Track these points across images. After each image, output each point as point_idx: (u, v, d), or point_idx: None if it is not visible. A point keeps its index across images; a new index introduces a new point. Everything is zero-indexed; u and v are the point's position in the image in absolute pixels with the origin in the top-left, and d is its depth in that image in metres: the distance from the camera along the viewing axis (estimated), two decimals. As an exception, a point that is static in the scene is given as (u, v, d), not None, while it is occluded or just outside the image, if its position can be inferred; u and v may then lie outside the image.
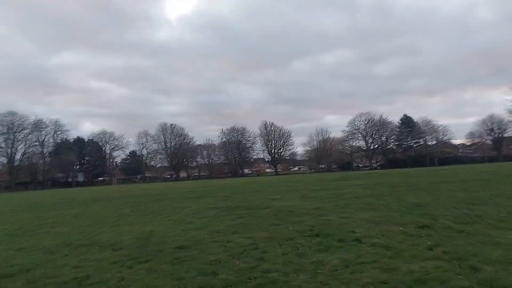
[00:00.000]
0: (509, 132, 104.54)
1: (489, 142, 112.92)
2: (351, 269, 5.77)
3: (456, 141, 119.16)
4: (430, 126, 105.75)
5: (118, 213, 17.61)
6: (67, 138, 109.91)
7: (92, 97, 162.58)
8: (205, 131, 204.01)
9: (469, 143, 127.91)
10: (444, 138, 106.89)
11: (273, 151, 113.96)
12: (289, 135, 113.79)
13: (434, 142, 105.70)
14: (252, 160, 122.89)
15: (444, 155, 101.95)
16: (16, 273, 6.97)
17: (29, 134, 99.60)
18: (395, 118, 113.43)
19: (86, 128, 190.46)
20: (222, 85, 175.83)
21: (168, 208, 18.32)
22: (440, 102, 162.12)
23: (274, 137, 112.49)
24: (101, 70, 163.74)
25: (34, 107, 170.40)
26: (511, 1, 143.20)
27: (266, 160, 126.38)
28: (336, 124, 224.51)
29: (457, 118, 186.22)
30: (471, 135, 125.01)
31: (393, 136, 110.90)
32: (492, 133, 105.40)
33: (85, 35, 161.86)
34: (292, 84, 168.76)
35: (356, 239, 7.84)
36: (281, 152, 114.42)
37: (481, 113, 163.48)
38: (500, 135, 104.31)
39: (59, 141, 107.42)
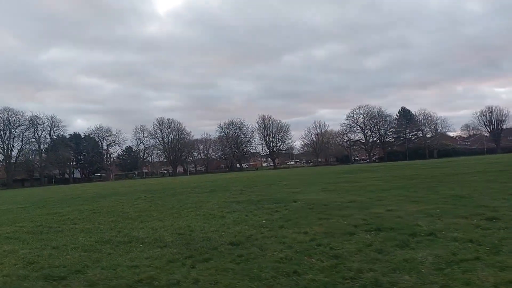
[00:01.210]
0: (508, 124, 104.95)
1: (486, 134, 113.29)
2: (460, 268, 5.14)
3: (452, 134, 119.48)
4: (429, 118, 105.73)
5: (137, 208, 16.92)
6: (64, 134, 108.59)
7: (82, 93, 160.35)
8: (198, 126, 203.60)
9: (465, 135, 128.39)
10: (443, 130, 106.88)
11: (271, 144, 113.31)
12: (287, 128, 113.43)
13: (433, 134, 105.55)
14: (248, 154, 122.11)
15: (443, 147, 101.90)
16: (66, 275, 6.29)
17: (25, 130, 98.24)
18: (389, 111, 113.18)
19: (78, 125, 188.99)
20: (213, 80, 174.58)
21: (187, 203, 17.65)
22: (432, 95, 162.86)
23: (272, 130, 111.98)
24: (91, 66, 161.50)
25: (25, 104, 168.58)
26: None
27: (264, 154, 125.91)
28: (329, 117, 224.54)
29: (449, 110, 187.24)
30: (466, 127, 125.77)
31: (391, 129, 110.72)
32: (491, 125, 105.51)
33: (73, 31, 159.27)
34: (283, 78, 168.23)
35: (431, 234, 7.23)
36: (279, 146, 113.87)
37: (473, 106, 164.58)
38: (499, 127, 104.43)
39: (56, 137, 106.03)
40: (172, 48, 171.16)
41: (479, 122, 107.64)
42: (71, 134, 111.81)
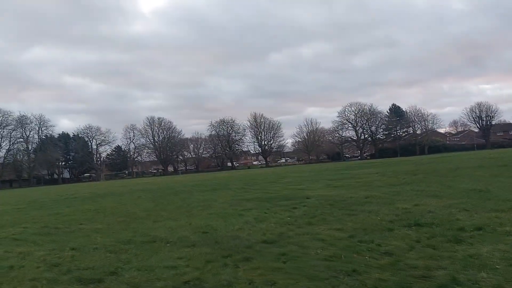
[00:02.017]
0: (497, 120, 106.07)
1: (474, 129, 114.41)
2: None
3: (441, 130, 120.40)
4: (420, 114, 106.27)
5: (142, 208, 16.38)
6: (52, 134, 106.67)
7: (67, 93, 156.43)
8: (186, 125, 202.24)
9: (454, 132, 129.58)
10: (434, 127, 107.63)
11: (263, 143, 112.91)
12: (279, 126, 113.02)
13: (424, 130, 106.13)
14: (239, 152, 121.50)
15: (434, 144, 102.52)
16: (101, 277, 5.81)
17: (13, 130, 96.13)
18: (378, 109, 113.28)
19: (63, 125, 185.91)
20: (201, 79, 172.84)
21: (193, 201, 17.17)
22: (418, 93, 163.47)
23: (264, 128, 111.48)
24: (75, 65, 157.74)
25: (8, 104, 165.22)
26: None
27: (255, 152, 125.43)
28: (317, 116, 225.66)
29: (435, 108, 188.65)
30: (454, 123, 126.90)
31: (382, 126, 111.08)
32: (480, 120, 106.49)
33: (56, 29, 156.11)
34: (271, 77, 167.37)
35: (480, 228, 6.91)
36: (271, 144, 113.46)
37: (458, 103, 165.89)
38: (488, 123, 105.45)
39: (44, 137, 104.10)
40: (158, 47, 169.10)
41: (469, 118, 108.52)
42: (59, 134, 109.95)
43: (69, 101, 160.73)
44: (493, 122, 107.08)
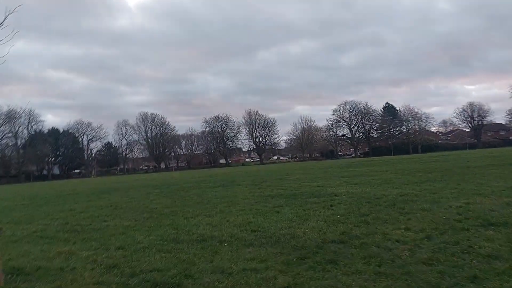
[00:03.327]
0: (488, 119, 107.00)
1: (464, 129, 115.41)
2: None
3: (433, 129, 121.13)
4: (413, 113, 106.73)
5: (161, 203, 15.69)
6: (42, 129, 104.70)
7: (51, 88, 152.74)
8: (174, 122, 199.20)
9: (444, 131, 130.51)
10: (427, 126, 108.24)
11: (258, 139, 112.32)
12: (274, 123, 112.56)
13: (417, 129, 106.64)
14: (234, 149, 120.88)
15: (426, 143, 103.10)
16: (177, 280, 5.18)
17: (2, 125, 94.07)
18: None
19: (48, 120, 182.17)
20: (188, 75, 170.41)
21: (211, 197, 16.54)
22: (405, 92, 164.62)
23: (258, 126, 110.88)
24: (58, 59, 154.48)
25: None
26: None
27: (250, 149, 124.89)
28: (306, 114, 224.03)
29: (422, 107, 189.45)
30: (443, 123, 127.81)
31: (376, 124, 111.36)
32: (472, 120, 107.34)
33: (38, 22, 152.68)
34: (259, 74, 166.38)
35: None
36: (266, 141, 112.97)
37: (445, 103, 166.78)
38: (480, 122, 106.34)
39: (33, 133, 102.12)
40: (144, 42, 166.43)
41: (461, 117, 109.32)
42: (49, 129, 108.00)
43: (53, 96, 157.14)
44: (485, 122, 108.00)
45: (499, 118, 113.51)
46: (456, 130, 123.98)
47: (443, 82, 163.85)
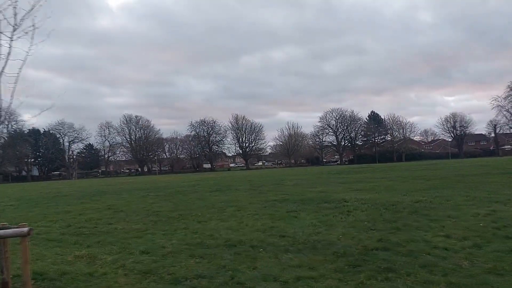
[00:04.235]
0: (470, 129, 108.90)
1: (446, 139, 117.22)
2: None
3: (415, 138, 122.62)
4: (398, 122, 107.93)
5: (165, 207, 15.08)
6: (22, 129, 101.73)
7: (30, 87, 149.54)
8: (155, 125, 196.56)
9: (427, 140, 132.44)
10: (412, 135, 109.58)
11: (244, 145, 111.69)
12: (261, 129, 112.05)
13: (402, 138, 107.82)
14: (220, 153, 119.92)
15: (410, 151, 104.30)
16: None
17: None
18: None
19: (28, 120, 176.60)
20: (170, 77, 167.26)
21: (214, 201, 16.04)
22: (386, 101, 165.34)
23: (245, 131, 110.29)
24: (37, 58, 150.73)
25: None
26: (450, 5, 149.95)
27: (235, 154, 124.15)
28: (290, 121, 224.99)
29: (404, 117, 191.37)
30: (425, 132, 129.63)
31: (361, 132, 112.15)
32: (455, 130, 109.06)
33: (15, 20, 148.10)
34: (242, 79, 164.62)
35: None
36: (252, 146, 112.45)
37: (425, 113, 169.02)
38: (462, 132, 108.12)
39: (13, 132, 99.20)
40: (126, 43, 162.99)
41: (444, 127, 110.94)
42: (29, 129, 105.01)
43: (31, 95, 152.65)
44: (466, 132, 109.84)
45: (478, 129, 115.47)
46: (438, 139, 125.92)
47: (423, 92, 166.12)
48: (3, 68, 4.73)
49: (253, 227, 9.23)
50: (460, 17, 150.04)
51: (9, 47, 4.81)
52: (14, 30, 4.81)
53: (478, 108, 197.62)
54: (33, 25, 4.86)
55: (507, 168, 30.68)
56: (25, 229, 5.03)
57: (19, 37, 4.77)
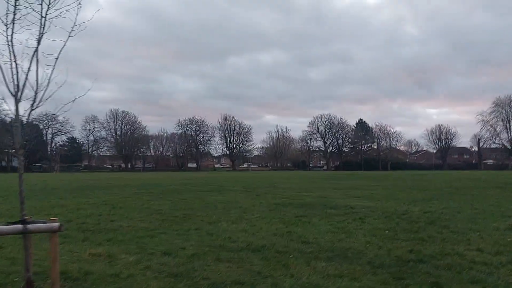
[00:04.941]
0: (455, 142, 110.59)
1: (431, 150, 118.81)
2: None
3: (400, 148, 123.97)
4: (385, 131, 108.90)
5: (164, 206, 14.63)
6: (4, 118, 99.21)
7: (7, 77, 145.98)
8: (142, 121, 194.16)
9: (411, 151, 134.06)
10: (398, 144, 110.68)
11: (232, 145, 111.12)
12: (249, 130, 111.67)
13: (388, 147, 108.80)
14: (207, 153, 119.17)
15: (396, 160, 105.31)
16: None
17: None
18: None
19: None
20: (156, 74, 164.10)
21: (214, 202, 15.69)
22: (370, 110, 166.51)
23: (233, 132, 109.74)
24: (18, 48, 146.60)
25: None
26: (436, 19, 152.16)
27: (221, 154, 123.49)
28: (275, 124, 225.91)
29: (391, 126, 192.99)
30: (408, 143, 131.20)
31: (348, 139, 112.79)
32: (440, 142, 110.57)
33: None
34: (229, 80, 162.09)
35: None
36: (240, 148, 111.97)
37: (407, 124, 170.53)
38: (447, 145, 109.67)
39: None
40: (111, 37, 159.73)
41: (429, 138, 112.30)
42: (11, 119, 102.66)
43: (10, 86, 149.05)
44: (451, 145, 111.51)
45: (459, 142, 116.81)
46: (423, 150, 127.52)
47: (406, 104, 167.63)
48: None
49: (268, 231, 8.90)
50: (444, 32, 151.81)
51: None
52: None
53: (458, 122, 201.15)
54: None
55: (497, 182, 31.01)
56: (56, 224, 4.64)
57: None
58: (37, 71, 4.73)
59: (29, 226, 4.53)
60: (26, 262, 4.61)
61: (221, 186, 27.09)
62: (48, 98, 4.86)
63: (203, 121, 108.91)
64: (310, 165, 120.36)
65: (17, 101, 4.71)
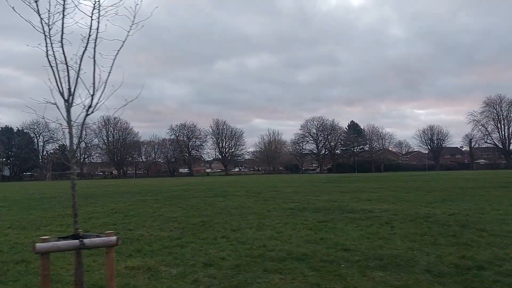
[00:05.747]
0: (447, 143, 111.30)
1: (422, 151, 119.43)
2: None
3: (392, 149, 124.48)
4: (377, 133, 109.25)
5: (177, 213, 14.24)
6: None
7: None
8: (134, 127, 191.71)
9: (402, 152, 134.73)
10: (390, 146, 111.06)
11: (224, 150, 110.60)
12: (241, 135, 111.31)
13: (381, 148, 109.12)
14: (200, 158, 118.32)
15: (388, 162, 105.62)
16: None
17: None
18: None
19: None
20: (143, 80, 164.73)
21: (224, 207, 15.32)
22: (358, 112, 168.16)
23: (225, 136, 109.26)
24: (6, 55, 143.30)
25: None
26: (420, 20, 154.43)
27: (213, 159, 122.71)
28: (265, 128, 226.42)
29: (382, 127, 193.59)
30: (399, 144, 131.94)
31: (341, 142, 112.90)
32: (432, 143, 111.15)
33: None
34: (217, 84, 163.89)
35: None
36: (232, 152, 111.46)
37: (395, 125, 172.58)
38: (439, 145, 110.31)
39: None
40: (100, 44, 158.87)
41: (421, 139, 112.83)
42: (2, 128, 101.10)
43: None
44: (443, 145, 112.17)
45: (449, 143, 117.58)
46: (414, 151, 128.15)
47: (394, 105, 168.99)
48: None
49: (300, 238, 8.59)
50: (429, 33, 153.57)
51: None
52: None
53: (446, 123, 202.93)
54: None
55: (497, 182, 31.05)
56: (113, 238, 4.28)
57: None
58: (93, 73, 4.33)
59: (85, 241, 4.16)
60: (80, 280, 4.25)
61: (224, 191, 26.69)
62: (104, 101, 4.37)
63: (195, 126, 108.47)
64: (303, 168, 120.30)
65: (69, 106, 4.30)
